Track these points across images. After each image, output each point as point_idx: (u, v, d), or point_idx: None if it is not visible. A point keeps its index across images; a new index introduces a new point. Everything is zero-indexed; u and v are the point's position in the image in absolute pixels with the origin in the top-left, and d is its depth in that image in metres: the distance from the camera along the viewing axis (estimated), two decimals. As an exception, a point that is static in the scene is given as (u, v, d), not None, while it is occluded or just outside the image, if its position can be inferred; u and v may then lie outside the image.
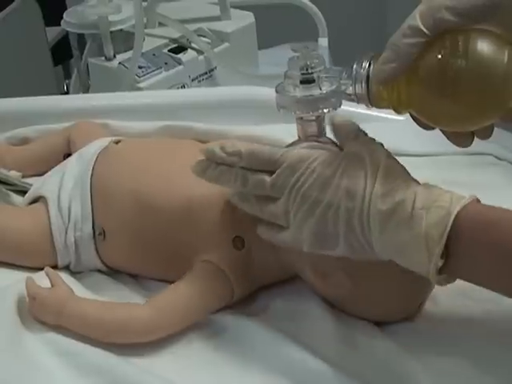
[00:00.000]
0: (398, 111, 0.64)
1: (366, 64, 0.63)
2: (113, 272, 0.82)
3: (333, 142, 0.70)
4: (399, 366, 0.67)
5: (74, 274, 0.81)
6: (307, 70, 0.65)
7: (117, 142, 0.85)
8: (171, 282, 0.77)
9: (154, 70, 1.29)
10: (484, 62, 0.59)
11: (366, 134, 0.69)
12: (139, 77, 1.27)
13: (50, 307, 0.71)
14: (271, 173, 0.67)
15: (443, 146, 0.65)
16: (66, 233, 0.80)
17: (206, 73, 1.36)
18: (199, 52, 1.35)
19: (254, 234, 0.73)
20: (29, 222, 0.81)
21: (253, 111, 1.01)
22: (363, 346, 0.70)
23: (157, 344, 0.71)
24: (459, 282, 0.65)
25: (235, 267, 0.73)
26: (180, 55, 1.33)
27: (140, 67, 1.28)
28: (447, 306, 0.73)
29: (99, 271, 0.82)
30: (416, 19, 0.59)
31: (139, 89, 1.26)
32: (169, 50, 1.34)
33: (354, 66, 0.63)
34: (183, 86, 1.33)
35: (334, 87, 0.66)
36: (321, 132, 0.69)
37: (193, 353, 0.71)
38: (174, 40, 1.36)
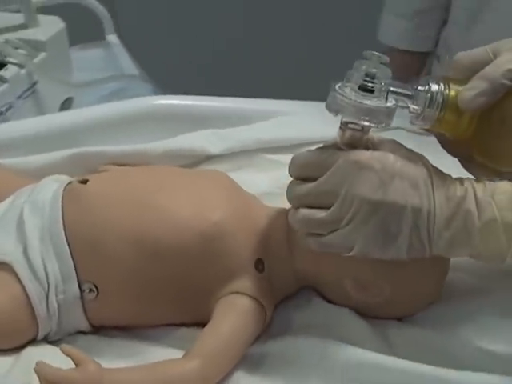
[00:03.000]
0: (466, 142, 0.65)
1: (439, 87, 0.63)
2: (95, 330, 0.71)
3: None
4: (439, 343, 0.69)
5: (50, 343, 0.69)
6: (373, 78, 0.61)
7: (83, 182, 0.73)
8: (175, 324, 0.71)
9: (-25, 95, 1.11)
10: None
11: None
12: (-40, 105, 1.09)
13: None
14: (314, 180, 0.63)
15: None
16: (48, 298, 0.67)
17: (29, 88, 1.22)
18: (20, 66, 1.19)
19: (271, 253, 0.71)
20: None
21: (159, 123, 0.93)
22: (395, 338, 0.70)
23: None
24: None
25: (263, 291, 0.69)
26: (1, 72, 1.16)
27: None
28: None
29: (82, 332, 0.71)
30: None
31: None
32: (-17, 68, 1.16)
33: (429, 87, 0.63)
34: (10, 108, 1.17)
35: (394, 102, 0.62)
36: (362, 144, 0.65)
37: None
38: (-16, 56, 1.19)
